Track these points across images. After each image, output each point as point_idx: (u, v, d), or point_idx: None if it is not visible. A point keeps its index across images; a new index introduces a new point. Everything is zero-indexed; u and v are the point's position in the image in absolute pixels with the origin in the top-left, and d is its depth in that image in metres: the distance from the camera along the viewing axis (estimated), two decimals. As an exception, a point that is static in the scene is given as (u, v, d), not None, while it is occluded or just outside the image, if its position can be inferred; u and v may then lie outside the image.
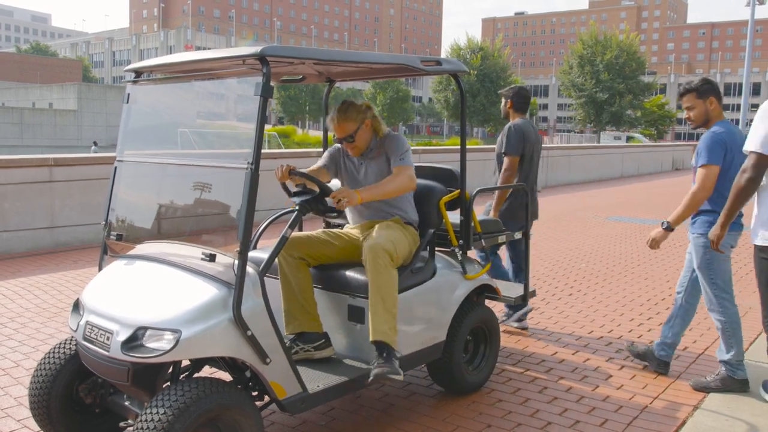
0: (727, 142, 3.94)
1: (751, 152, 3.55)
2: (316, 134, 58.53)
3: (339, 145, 3.88)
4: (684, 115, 4.21)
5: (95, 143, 35.14)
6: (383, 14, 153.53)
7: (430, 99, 75.37)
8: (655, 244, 4.13)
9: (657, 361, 4.46)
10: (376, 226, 3.63)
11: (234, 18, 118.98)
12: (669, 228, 4.06)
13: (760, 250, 3.69)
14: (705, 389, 4.15)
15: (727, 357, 4.12)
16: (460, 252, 4.01)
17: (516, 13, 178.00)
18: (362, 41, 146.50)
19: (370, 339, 3.27)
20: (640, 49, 61.18)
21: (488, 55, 61.51)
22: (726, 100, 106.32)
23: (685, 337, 5.24)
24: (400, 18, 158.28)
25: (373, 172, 3.75)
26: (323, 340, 3.47)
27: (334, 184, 4.27)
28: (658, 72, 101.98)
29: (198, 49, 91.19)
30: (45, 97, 54.07)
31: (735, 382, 4.09)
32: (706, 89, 4.08)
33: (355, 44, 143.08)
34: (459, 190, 3.99)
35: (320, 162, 3.87)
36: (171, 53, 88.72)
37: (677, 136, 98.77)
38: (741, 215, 4.00)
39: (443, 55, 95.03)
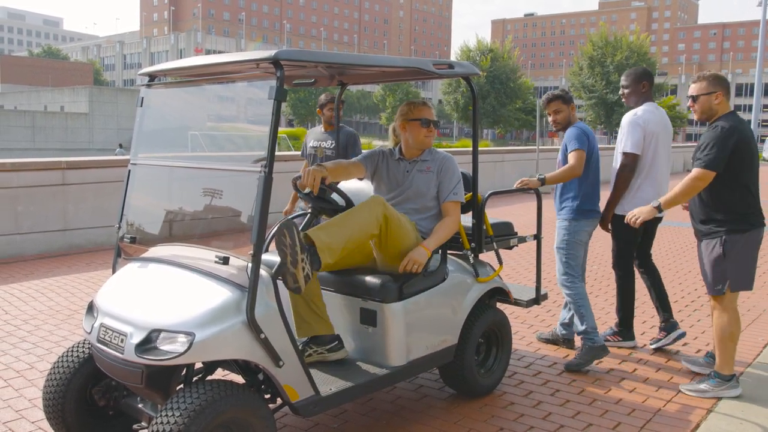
0: (588, 135, 4.62)
1: (629, 153, 4.66)
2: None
3: (381, 149, 3.96)
4: (550, 119, 4.82)
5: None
6: (392, 16, 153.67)
7: (440, 101, 75.30)
8: None
9: (563, 340, 4.97)
10: None
11: (244, 21, 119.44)
12: (543, 182, 4.52)
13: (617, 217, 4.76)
14: (579, 368, 4.52)
15: (582, 328, 4.58)
16: (472, 255, 4.01)
17: (525, 15, 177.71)
18: (372, 43, 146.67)
19: (307, 231, 3.20)
20: (650, 50, 60.93)
21: (498, 56, 61.46)
22: (737, 101, 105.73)
23: (698, 341, 5.22)
24: (410, 20, 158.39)
25: (419, 184, 3.79)
26: (336, 342, 3.47)
27: (349, 187, 4.27)
28: (668, 73, 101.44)
29: (208, 51, 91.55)
30: (57, 101, 54.42)
31: (596, 349, 4.53)
32: (570, 97, 4.81)
33: (364, 46, 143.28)
34: (471, 193, 3.99)
35: (357, 158, 3.89)
36: (181, 56, 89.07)
37: (688, 137, 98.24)
38: (598, 204, 4.76)
39: (453, 57, 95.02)
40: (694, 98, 4.03)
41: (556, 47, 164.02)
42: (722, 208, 3.95)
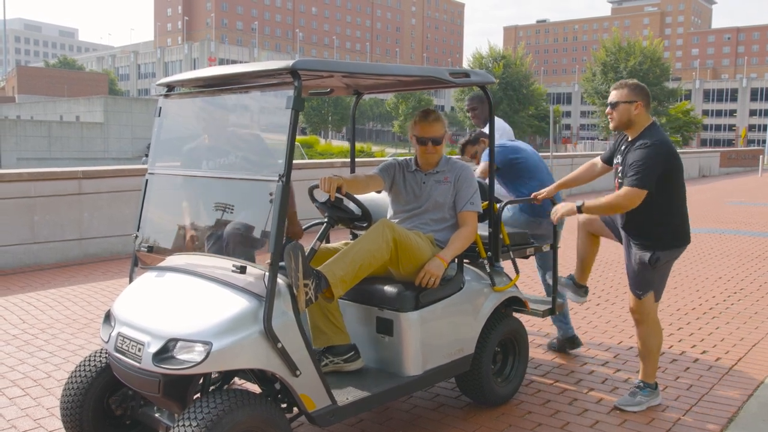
0: (504, 146, 4.88)
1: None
2: (339, 144, 58.76)
3: (396, 160, 3.94)
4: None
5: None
6: (405, 24, 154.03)
7: (453, 108, 75.32)
8: None
9: (565, 339, 5.00)
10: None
11: (257, 30, 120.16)
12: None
13: None
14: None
15: None
16: (489, 264, 3.99)
17: (538, 21, 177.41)
18: (384, 51, 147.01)
19: (320, 267, 3.19)
20: (664, 55, 60.63)
21: (510, 63, 61.41)
22: (752, 105, 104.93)
23: (717, 348, 5.16)
24: (422, 28, 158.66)
25: (437, 196, 3.78)
26: (353, 353, 3.46)
27: (364, 198, 4.25)
28: (682, 78, 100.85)
29: (221, 60, 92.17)
30: (72, 111, 54.88)
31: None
32: (475, 137, 5.14)
33: (377, 54, 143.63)
34: (487, 202, 3.98)
35: (374, 171, 3.87)
36: (195, 65, 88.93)
37: (703, 143, 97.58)
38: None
39: (465, 64, 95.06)
40: (614, 105, 3.89)
41: (569, 53, 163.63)
42: (660, 228, 3.88)
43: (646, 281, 3.96)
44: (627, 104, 3.85)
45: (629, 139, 3.93)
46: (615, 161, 4.04)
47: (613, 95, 3.91)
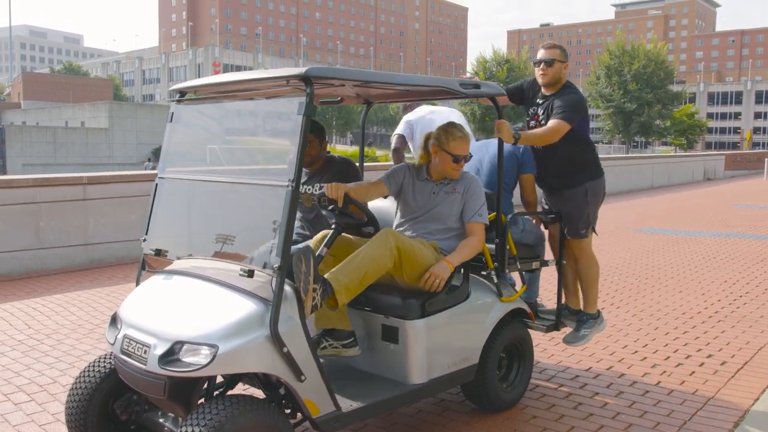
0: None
1: None
2: (343, 149, 58.76)
3: (407, 165, 3.94)
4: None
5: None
6: (408, 29, 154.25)
7: (456, 112, 74.99)
8: None
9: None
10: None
11: (261, 35, 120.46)
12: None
13: None
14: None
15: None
16: (495, 275, 3.97)
17: (541, 25, 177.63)
18: (388, 56, 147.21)
19: (325, 275, 3.20)
20: (668, 58, 60.42)
21: (514, 67, 61.28)
22: (757, 108, 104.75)
23: (722, 352, 5.14)
24: (426, 32, 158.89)
25: (444, 206, 3.78)
26: (352, 339, 3.43)
27: (378, 207, 4.25)
28: (687, 81, 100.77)
29: (225, 66, 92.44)
30: (77, 116, 55.13)
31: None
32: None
33: (381, 59, 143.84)
34: (494, 213, 3.96)
35: (380, 177, 3.87)
36: (199, 71, 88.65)
37: (708, 146, 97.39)
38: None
39: (469, 68, 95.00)
40: (549, 62, 4.22)
41: (573, 57, 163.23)
42: (584, 162, 4.35)
43: (586, 217, 4.36)
44: (561, 63, 4.26)
45: (546, 93, 4.31)
46: (531, 111, 4.43)
47: (549, 53, 4.26)
